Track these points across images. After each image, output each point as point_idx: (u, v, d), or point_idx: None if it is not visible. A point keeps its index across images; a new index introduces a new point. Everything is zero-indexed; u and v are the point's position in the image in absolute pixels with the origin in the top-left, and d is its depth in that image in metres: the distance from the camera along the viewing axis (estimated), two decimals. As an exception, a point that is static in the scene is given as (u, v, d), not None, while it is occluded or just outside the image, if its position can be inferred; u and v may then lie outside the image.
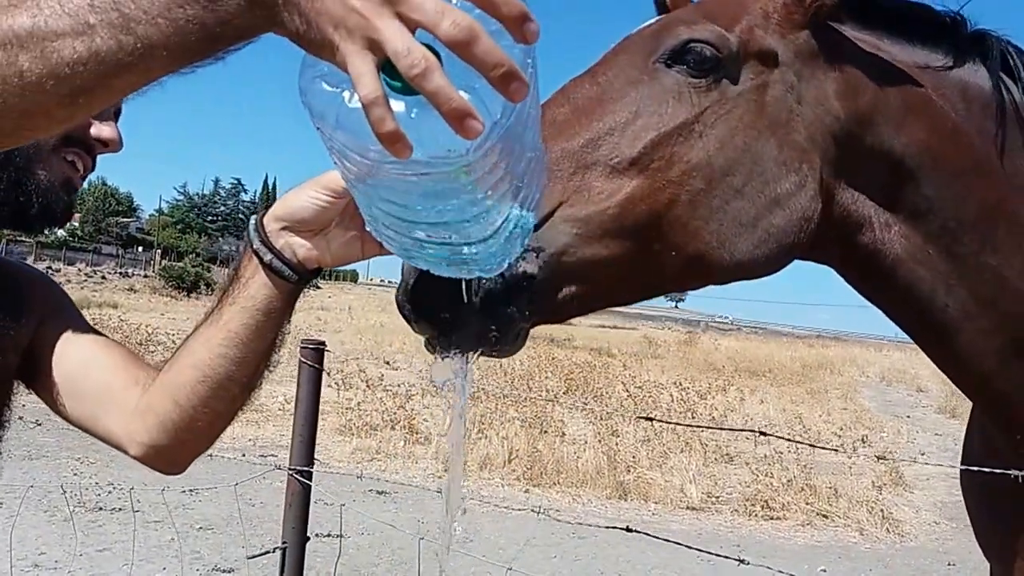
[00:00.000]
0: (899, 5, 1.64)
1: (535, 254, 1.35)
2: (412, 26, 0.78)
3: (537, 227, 1.32)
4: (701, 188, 1.44)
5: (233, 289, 1.41)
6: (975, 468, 1.86)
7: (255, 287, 1.38)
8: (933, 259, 1.58)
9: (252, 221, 1.40)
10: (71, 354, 1.62)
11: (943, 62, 1.61)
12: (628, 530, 2.69)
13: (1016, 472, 1.70)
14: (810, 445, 2.66)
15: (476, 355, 1.34)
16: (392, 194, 0.99)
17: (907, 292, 1.61)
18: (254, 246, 1.36)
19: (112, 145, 1.63)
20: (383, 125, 0.79)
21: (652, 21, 1.59)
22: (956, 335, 1.62)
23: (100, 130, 1.60)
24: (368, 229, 1.15)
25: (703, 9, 1.58)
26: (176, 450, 1.55)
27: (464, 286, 1.27)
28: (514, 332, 1.36)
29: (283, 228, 1.36)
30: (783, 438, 2.46)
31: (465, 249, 1.07)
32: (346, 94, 0.88)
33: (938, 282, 1.59)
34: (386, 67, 0.81)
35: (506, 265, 1.13)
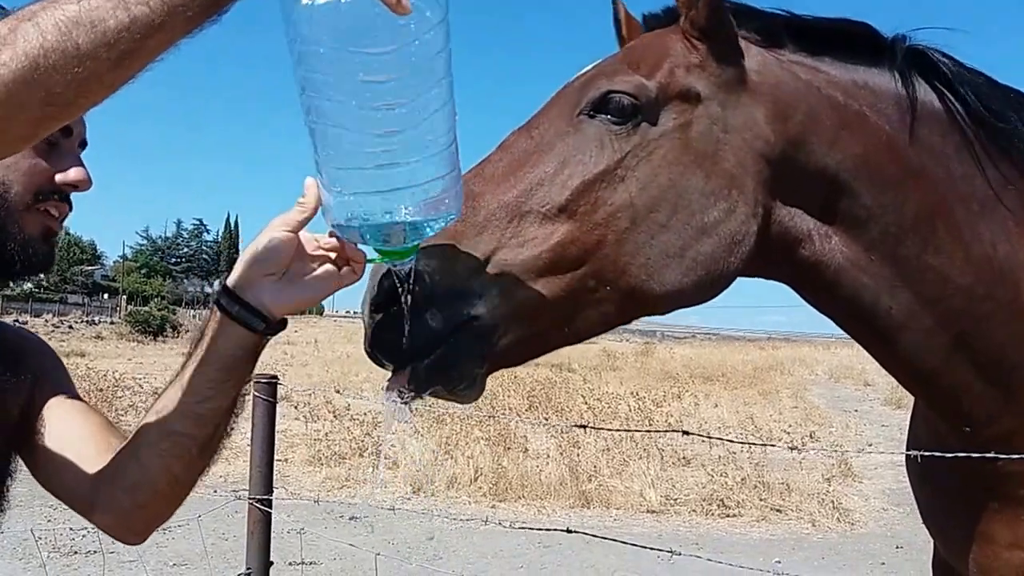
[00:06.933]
0: (833, 28, 1.69)
1: (479, 299, 1.43)
2: None
3: (478, 272, 1.44)
4: (626, 227, 1.50)
5: (197, 348, 1.43)
6: (921, 453, 1.89)
7: (218, 343, 1.39)
8: (876, 265, 1.62)
9: (218, 282, 1.44)
10: (53, 423, 1.62)
11: (880, 78, 1.67)
12: (568, 531, 2.79)
13: (960, 454, 1.74)
14: (734, 441, 2.77)
15: (438, 395, 1.45)
16: (349, 124, 1.17)
17: (852, 299, 1.64)
18: (221, 301, 1.38)
19: (82, 185, 1.62)
20: None
21: (585, 70, 1.66)
22: (901, 335, 1.65)
23: (66, 175, 1.59)
24: (321, 188, 1.29)
25: (629, 56, 1.64)
26: (137, 515, 1.55)
27: (416, 329, 1.39)
28: (470, 375, 1.45)
29: (247, 281, 1.38)
30: (702, 435, 2.58)
31: (405, 194, 1.23)
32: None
33: (882, 287, 1.62)
34: None
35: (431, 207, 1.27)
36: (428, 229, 1.30)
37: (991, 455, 1.70)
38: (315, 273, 1.41)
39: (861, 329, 1.72)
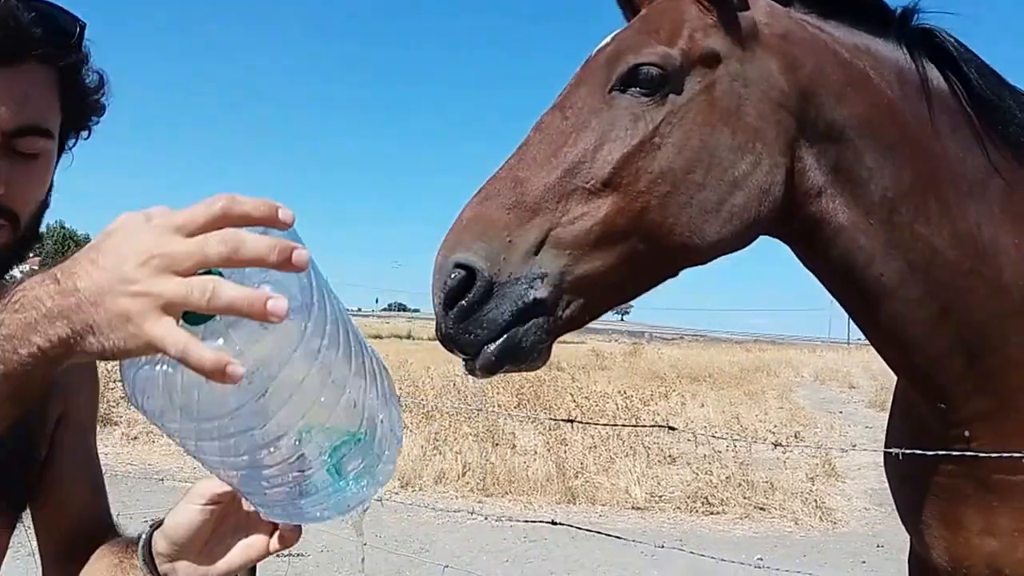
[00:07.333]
0: None
1: (540, 280, 1.53)
2: (190, 274, 0.79)
3: (535, 255, 1.54)
4: (668, 191, 1.59)
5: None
6: (903, 450, 1.95)
7: None
8: (874, 228, 1.67)
9: (143, 536, 1.26)
10: (55, 486, 1.53)
11: (884, 47, 1.73)
12: (553, 523, 2.82)
13: (944, 451, 1.78)
14: (715, 437, 2.80)
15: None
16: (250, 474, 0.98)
17: (845, 257, 1.69)
18: (135, 560, 1.25)
19: None
20: (203, 362, 0.77)
21: (604, 43, 1.72)
22: (889, 303, 1.69)
23: None
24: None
25: (647, 25, 1.71)
26: None
27: (483, 320, 1.49)
28: (536, 350, 1.56)
29: (164, 552, 1.22)
30: (688, 432, 2.61)
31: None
32: (166, 367, 0.89)
33: (876, 251, 1.67)
34: (186, 316, 0.82)
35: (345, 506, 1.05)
36: (370, 491, 1.07)
37: (971, 453, 1.73)
38: (241, 542, 1.22)
39: (851, 293, 1.76)
